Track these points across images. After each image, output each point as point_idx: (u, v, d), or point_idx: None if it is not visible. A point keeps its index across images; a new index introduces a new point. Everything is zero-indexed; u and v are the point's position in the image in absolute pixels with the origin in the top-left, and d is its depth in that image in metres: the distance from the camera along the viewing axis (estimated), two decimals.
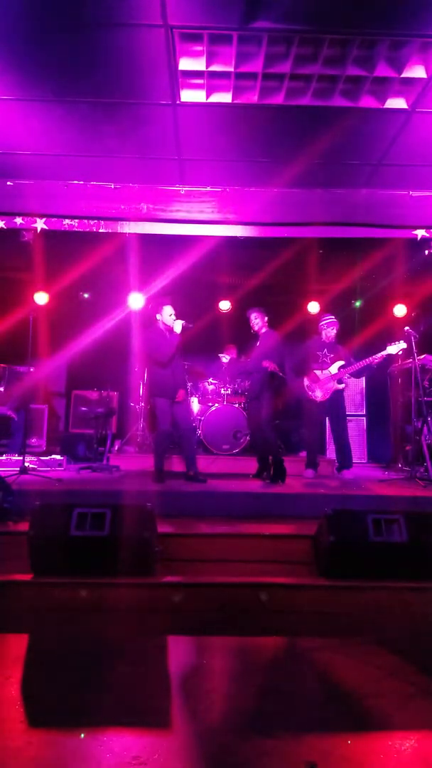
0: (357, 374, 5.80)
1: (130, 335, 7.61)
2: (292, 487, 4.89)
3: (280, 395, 5.53)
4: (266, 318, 5.61)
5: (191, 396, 7.15)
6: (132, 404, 7.68)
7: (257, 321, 5.55)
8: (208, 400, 7.00)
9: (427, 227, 5.48)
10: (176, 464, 6.08)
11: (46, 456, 6.26)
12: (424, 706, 2.07)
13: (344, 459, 5.74)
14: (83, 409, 7.34)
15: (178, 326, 5.07)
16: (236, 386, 7.00)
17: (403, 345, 5.44)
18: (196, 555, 3.44)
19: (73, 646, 2.58)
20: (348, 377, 5.78)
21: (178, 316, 5.19)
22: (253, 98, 4.05)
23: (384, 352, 5.50)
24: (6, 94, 4.09)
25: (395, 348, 5.48)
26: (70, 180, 5.32)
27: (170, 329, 5.11)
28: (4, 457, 5.79)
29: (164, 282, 6.65)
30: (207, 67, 3.80)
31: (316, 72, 3.80)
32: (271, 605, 3.04)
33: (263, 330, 5.55)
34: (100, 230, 5.45)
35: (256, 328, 5.58)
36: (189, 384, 7.19)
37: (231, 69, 3.80)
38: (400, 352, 5.59)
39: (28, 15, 3.34)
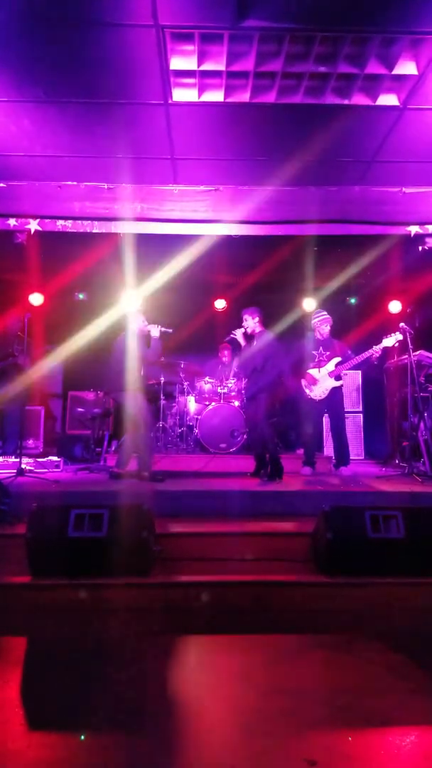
0: (354, 368, 5.81)
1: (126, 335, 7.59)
2: (290, 484, 4.89)
3: (276, 394, 5.50)
4: (257, 318, 5.44)
5: (188, 395, 7.16)
6: None
7: (249, 322, 5.43)
8: (204, 399, 7.00)
9: (420, 223, 5.49)
10: (175, 463, 6.10)
11: (43, 457, 6.25)
12: (424, 702, 2.08)
13: (342, 456, 5.74)
14: (80, 410, 7.34)
15: (155, 330, 5.15)
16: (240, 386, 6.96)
17: (398, 336, 5.43)
18: (194, 554, 3.44)
19: (72, 647, 2.58)
20: (345, 373, 5.78)
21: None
22: (245, 97, 4.05)
23: (380, 345, 5.51)
24: None
25: (391, 340, 5.48)
26: (64, 181, 5.31)
27: (146, 332, 5.24)
28: (1, 459, 5.77)
29: (159, 281, 6.63)
30: (198, 66, 3.79)
31: (307, 70, 3.80)
32: (270, 603, 3.04)
33: (257, 330, 5.44)
34: (94, 231, 5.44)
35: (249, 329, 5.45)
36: (186, 383, 7.21)
37: (222, 68, 3.79)
38: (397, 344, 5.59)
39: (18, 15, 3.33)
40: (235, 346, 6.79)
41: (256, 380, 5.36)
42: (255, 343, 5.42)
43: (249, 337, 5.50)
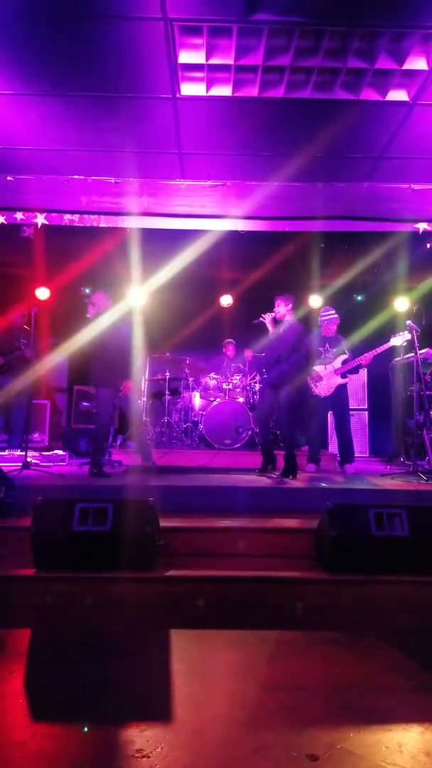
0: (358, 368, 5.80)
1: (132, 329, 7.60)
2: (294, 481, 4.89)
3: (297, 387, 5.42)
4: (290, 306, 5.33)
5: (193, 391, 7.16)
6: None
7: (282, 308, 5.27)
8: (209, 395, 7.00)
9: (428, 220, 5.46)
10: (180, 459, 6.11)
11: (49, 451, 6.27)
12: (426, 699, 2.08)
13: (346, 453, 5.74)
14: (85, 404, 7.35)
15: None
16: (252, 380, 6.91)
17: (407, 336, 5.43)
18: (197, 549, 3.45)
19: (75, 641, 2.60)
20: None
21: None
22: (254, 91, 4.02)
23: (388, 344, 5.51)
24: (5, 89, 4.07)
25: (399, 339, 5.48)
26: (71, 175, 5.30)
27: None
28: (6, 453, 5.80)
29: (165, 277, 6.62)
30: (207, 60, 3.77)
31: (316, 65, 3.77)
32: (273, 599, 3.04)
33: (287, 318, 5.29)
34: (101, 225, 5.44)
35: (279, 315, 5.26)
36: (191, 379, 7.20)
37: (231, 62, 3.77)
38: (405, 343, 5.58)
39: (26, 8, 3.32)
40: (232, 338, 6.70)
41: (279, 369, 5.21)
42: (280, 330, 5.25)
43: (276, 323, 5.34)
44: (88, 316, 5.14)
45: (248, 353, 7.42)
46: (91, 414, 6.54)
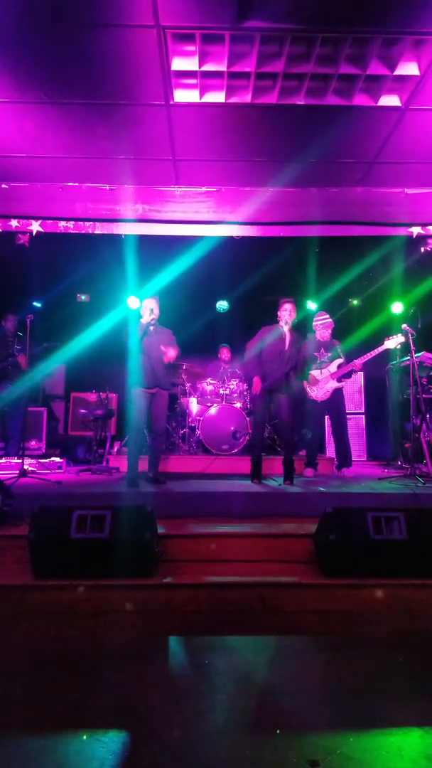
0: (352, 372, 5.80)
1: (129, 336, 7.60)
2: (293, 486, 4.88)
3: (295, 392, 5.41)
4: None
5: (190, 396, 7.15)
6: None
7: (293, 314, 5.16)
8: (206, 401, 7.00)
9: (422, 224, 5.48)
10: (178, 465, 6.10)
11: (46, 459, 6.25)
12: (426, 703, 2.07)
13: (344, 457, 5.74)
14: (82, 411, 7.32)
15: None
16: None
17: (400, 339, 5.45)
18: (196, 555, 3.44)
19: (74, 648, 2.58)
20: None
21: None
22: (247, 98, 4.04)
23: (382, 347, 5.52)
24: None
25: (393, 342, 5.50)
26: (65, 182, 5.32)
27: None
28: (3, 461, 5.78)
29: (161, 283, 6.63)
30: (200, 67, 3.79)
31: (308, 71, 3.80)
32: (272, 604, 3.04)
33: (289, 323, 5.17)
34: (96, 232, 5.44)
35: (291, 321, 5.13)
36: (187, 384, 7.20)
37: (224, 68, 3.79)
38: (398, 346, 5.59)
39: (19, 16, 3.34)
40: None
41: (288, 373, 5.17)
42: (288, 336, 5.18)
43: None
44: (141, 321, 5.05)
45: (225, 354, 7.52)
46: (92, 420, 6.51)
